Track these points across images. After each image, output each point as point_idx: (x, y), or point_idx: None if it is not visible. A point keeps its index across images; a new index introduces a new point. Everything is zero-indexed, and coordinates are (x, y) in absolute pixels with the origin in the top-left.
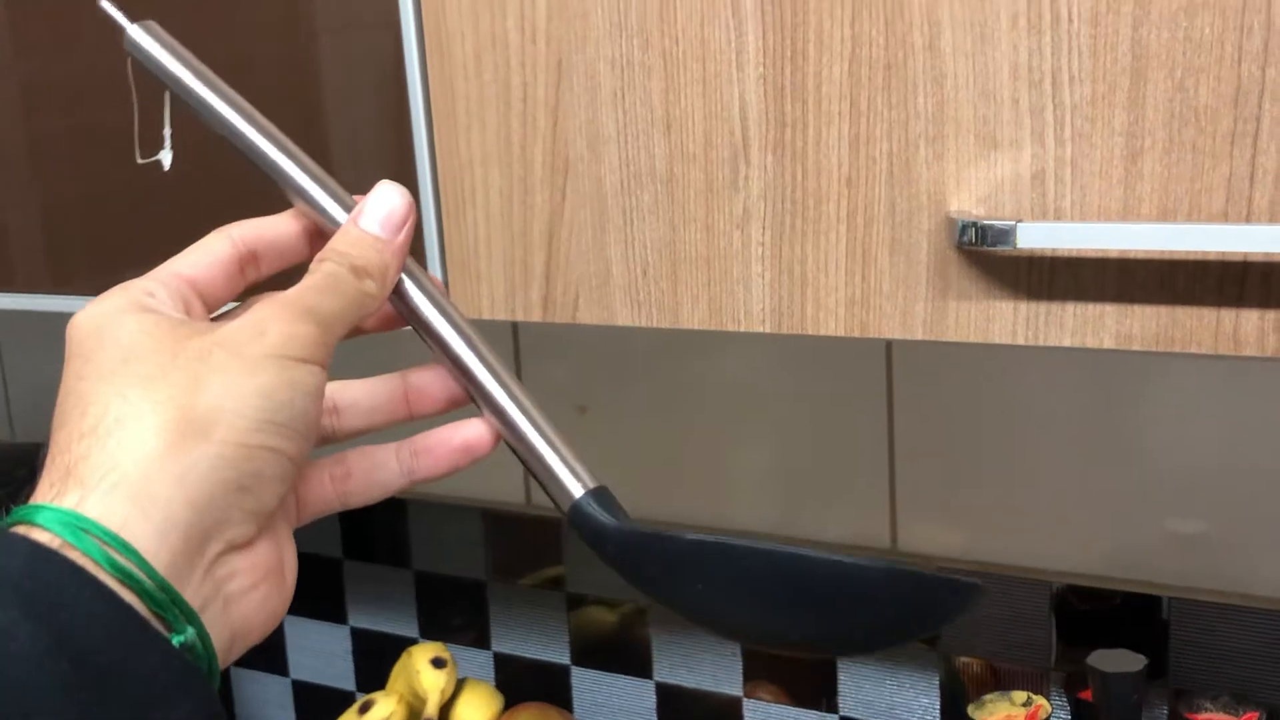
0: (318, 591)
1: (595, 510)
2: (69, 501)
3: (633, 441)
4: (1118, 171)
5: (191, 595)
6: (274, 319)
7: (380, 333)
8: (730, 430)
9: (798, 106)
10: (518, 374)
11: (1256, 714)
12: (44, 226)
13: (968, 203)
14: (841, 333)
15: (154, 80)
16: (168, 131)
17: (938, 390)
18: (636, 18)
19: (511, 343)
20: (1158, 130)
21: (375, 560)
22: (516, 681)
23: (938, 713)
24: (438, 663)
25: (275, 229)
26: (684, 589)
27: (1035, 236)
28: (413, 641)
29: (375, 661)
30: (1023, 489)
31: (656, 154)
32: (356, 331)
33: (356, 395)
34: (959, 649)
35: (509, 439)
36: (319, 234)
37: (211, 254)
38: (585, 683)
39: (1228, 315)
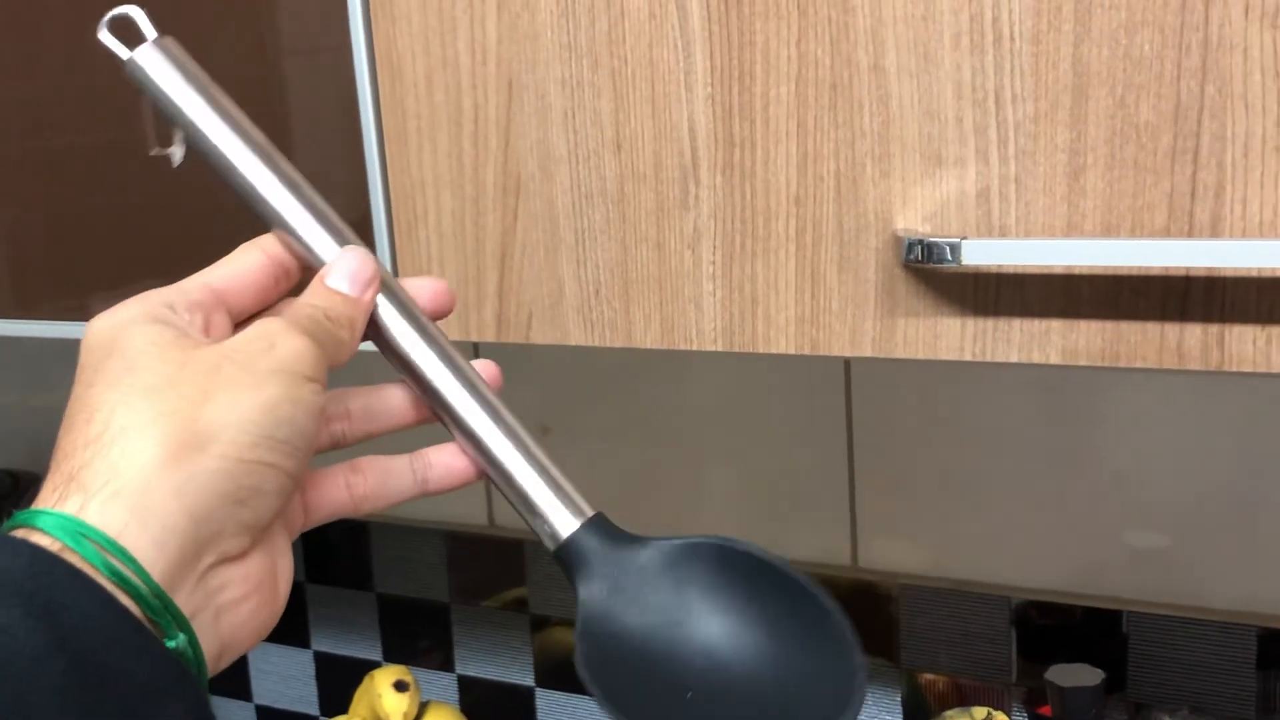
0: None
1: (571, 559)
2: (70, 507)
3: (594, 462)
4: (1061, 188)
5: (183, 603)
6: (282, 335)
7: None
8: (692, 450)
9: (746, 126)
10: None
11: None
12: (8, 249)
13: (914, 220)
14: (792, 350)
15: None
16: (180, 131)
17: (897, 409)
18: (585, 39)
19: None
20: (1100, 147)
21: (337, 583)
22: (481, 704)
23: None
24: (400, 686)
25: None
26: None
27: (980, 253)
28: (376, 664)
29: (338, 685)
30: (982, 506)
31: (607, 174)
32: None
33: (368, 400)
34: (920, 665)
35: (486, 469)
36: None
37: (243, 266)
38: (550, 705)
39: (1171, 330)
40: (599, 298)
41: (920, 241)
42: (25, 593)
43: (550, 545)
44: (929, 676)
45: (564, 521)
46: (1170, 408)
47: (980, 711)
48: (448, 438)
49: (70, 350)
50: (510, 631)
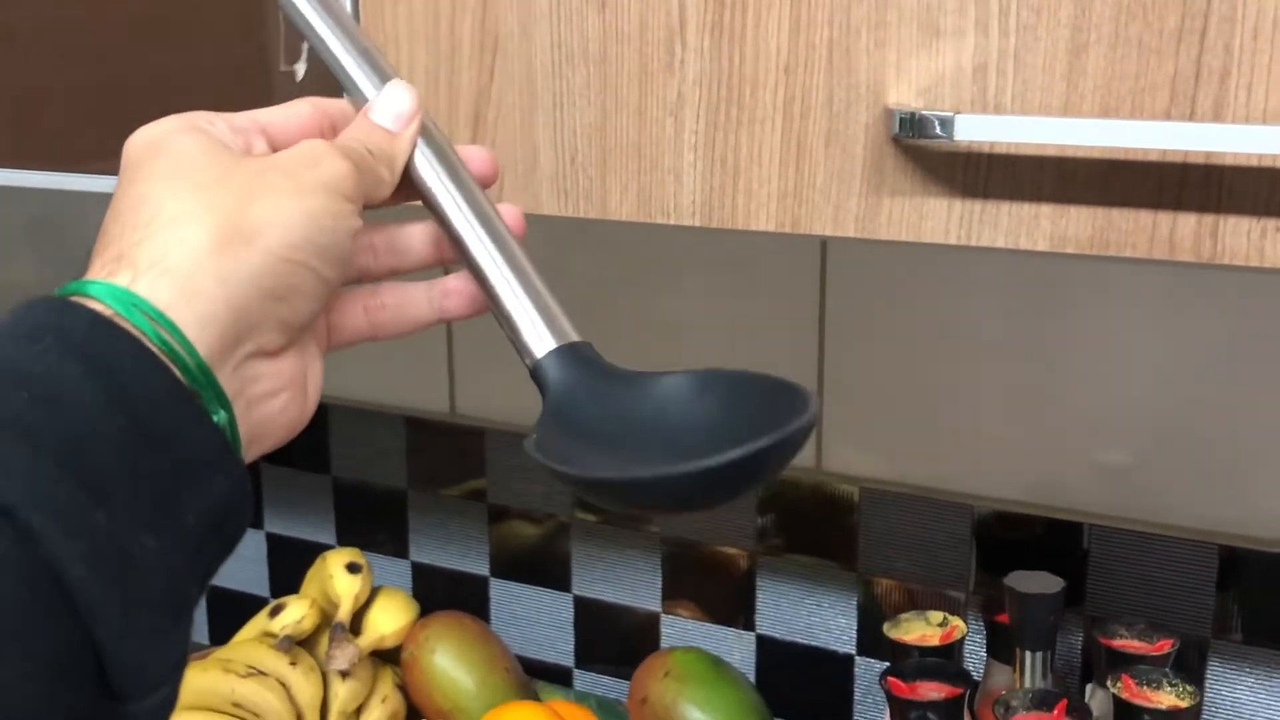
0: None
1: (549, 375)
2: (121, 280)
3: None
4: (1061, 66)
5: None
6: (327, 154)
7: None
8: (658, 347)
9: None
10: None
11: (1171, 641)
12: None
13: (907, 95)
14: (772, 227)
15: None
16: (306, 45)
17: (866, 316)
18: None
19: None
20: (1104, 24)
21: (293, 465)
22: (434, 591)
23: (855, 633)
24: (352, 568)
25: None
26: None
27: (974, 129)
28: (329, 548)
29: (290, 567)
30: (950, 414)
31: (590, 33)
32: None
33: (393, 236)
34: (878, 570)
35: (482, 294)
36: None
37: (291, 112)
38: (503, 595)
39: (1164, 219)
40: (575, 165)
41: (913, 115)
42: (87, 354)
43: (527, 362)
44: (886, 582)
45: (544, 340)
46: (1143, 327)
47: (936, 616)
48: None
49: None
50: (467, 520)
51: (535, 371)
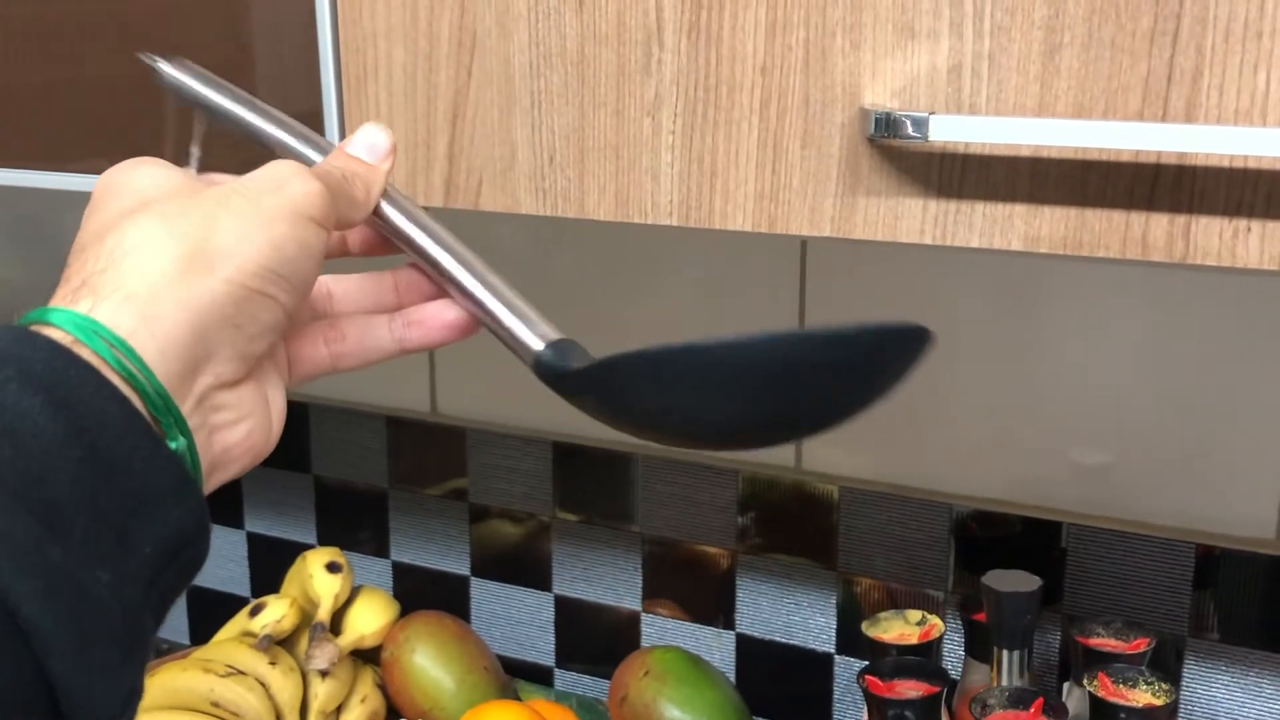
0: (213, 496)
1: (555, 359)
2: (82, 307)
3: None
4: (1035, 67)
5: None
6: (294, 176)
7: (362, 255)
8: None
9: None
10: None
11: (1147, 640)
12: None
13: (882, 96)
14: (749, 228)
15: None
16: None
17: (846, 315)
18: None
19: None
20: (1078, 25)
21: (274, 464)
22: (415, 591)
23: (834, 632)
24: (333, 567)
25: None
26: (660, 405)
27: (948, 129)
28: (309, 547)
29: (271, 567)
30: (929, 413)
31: (568, 33)
32: (343, 252)
33: (349, 285)
34: (857, 569)
35: (473, 310)
36: None
37: None
38: (484, 594)
39: (1137, 219)
40: (553, 165)
41: (888, 115)
42: (45, 384)
43: (528, 359)
44: (865, 581)
45: (533, 343)
46: (1121, 327)
47: (915, 614)
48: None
49: None
50: (448, 520)
51: (541, 361)
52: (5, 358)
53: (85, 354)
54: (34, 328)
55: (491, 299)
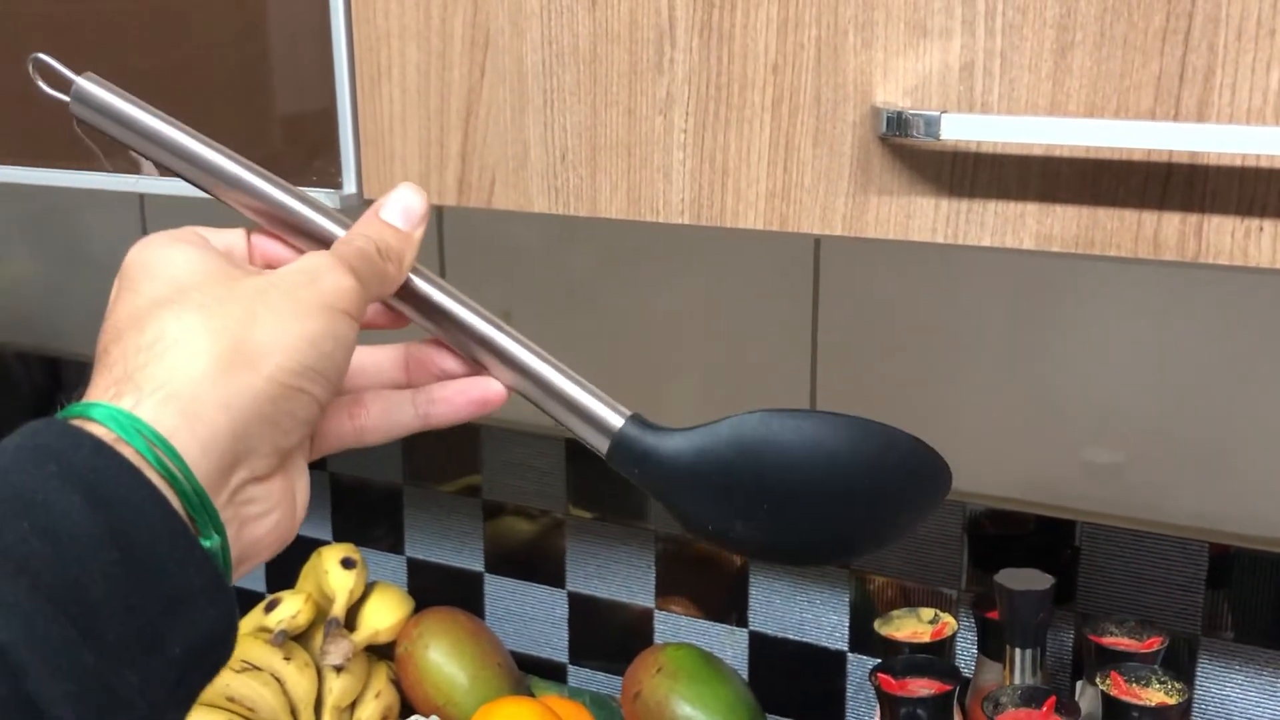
0: None
1: (638, 434)
2: (125, 404)
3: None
4: (1047, 65)
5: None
6: (327, 270)
7: (383, 329)
8: (655, 344)
9: None
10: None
11: (1161, 639)
12: None
13: (894, 94)
14: (760, 226)
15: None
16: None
17: (860, 314)
18: None
19: (437, 244)
20: (1090, 24)
21: None
22: (429, 587)
23: (847, 630)
24: (347, 563)
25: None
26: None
27: (960, 128)
28: (324, 545)
29: (286, 562)
30: (942, 412)
31: (580, 32)
32: (365, 325)
33: (363, 360)
34: (870, 568)
35: (532, 394)
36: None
37: (237, 239)
38: (498, 590)
39: (1149, 218)
40: (565, 163)
41: (900, 114)
42: (86, 482)
43: (602, 444)
44: (878, 579)
45: (613, 418)
46: (1134, 325)
47: (928, 613)
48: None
49: None
50: (462, 516)
51: (621, 443)
52: (48, 452)
53: (127, 452)
54: (76, 422)
55: (556, 375)
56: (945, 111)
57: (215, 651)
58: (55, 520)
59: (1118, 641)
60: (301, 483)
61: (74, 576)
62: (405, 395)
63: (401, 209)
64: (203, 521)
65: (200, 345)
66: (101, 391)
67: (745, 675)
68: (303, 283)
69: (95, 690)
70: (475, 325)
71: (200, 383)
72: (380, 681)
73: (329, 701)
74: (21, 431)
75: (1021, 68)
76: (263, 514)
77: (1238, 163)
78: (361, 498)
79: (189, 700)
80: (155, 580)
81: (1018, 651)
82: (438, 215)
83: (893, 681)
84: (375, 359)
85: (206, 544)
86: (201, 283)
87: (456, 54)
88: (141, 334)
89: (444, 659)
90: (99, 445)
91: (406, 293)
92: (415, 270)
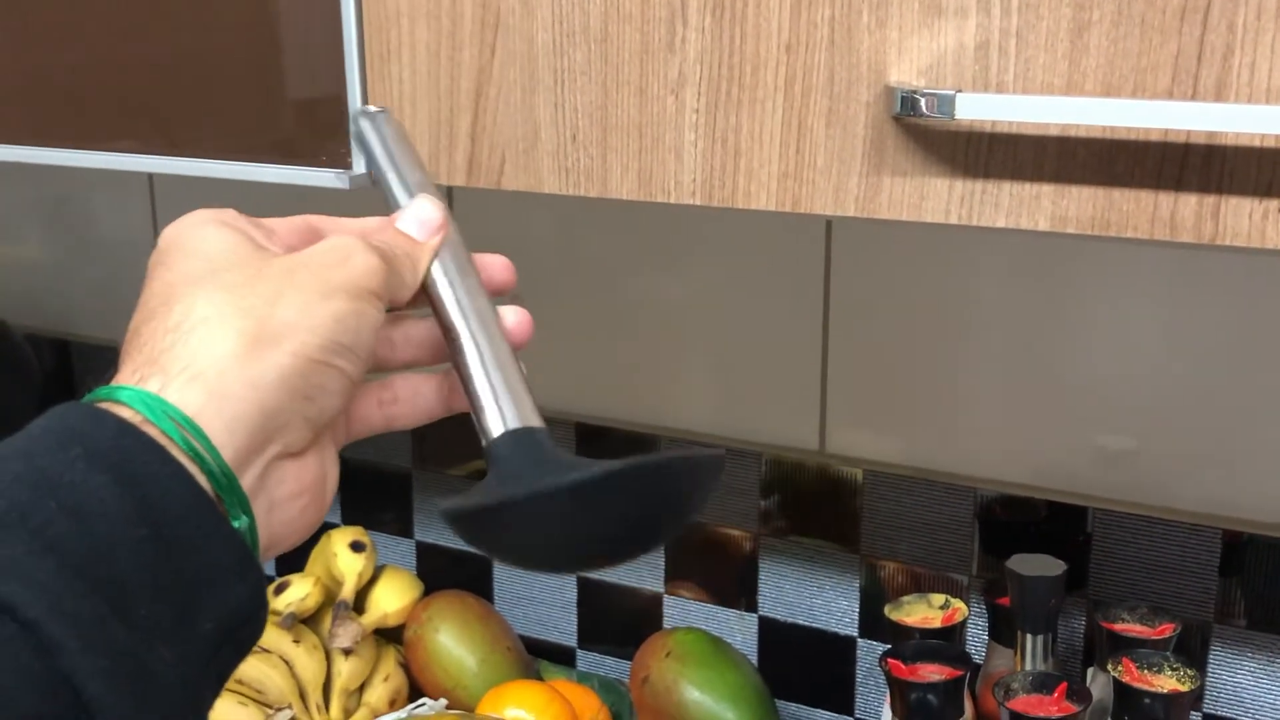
0: None
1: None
2: (152, 386)
3: (564, 334)
4: (1063, 45)
5: (245, 489)
6: (357, 251)
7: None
8: (665, 331)
9: None
10: None
11: (1173, 626)
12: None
13: (908, 74)
14: (772, 207)
15: None
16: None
17: (871, 297)
18: None
19: None
20: (1107, 2)
21: None
22: (438, 571)
23: (856, 615)
24: (356, 546)
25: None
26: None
27: (975, 108)
28: (334, 528)
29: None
30: (953, 397)
31: (591, 11)
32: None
33: (410, 331)
34: (881, 553)
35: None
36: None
37: (292, 228)
38: (507, 574)
39: (1166, 199)
40: (576, 143)
41: (914, 93)
42: (113, 462)
43: (481, 440)
44: (889, 564)
45: (497, 422)
46: (1147, 310)
47: (938, 598)
48: None
49: None
50: None
51: (486, 451)
52: (73, 435)
53: (153, 433)
54: (102, 405)
55: (476, 371)
56: (960, 91)
57: (245, 629)
58: (82, 499)
59: (1129, 628)
60: (333, 470)
61: (103, 553)
62: (432, 382)
63: (418, 219)
64: (230, 502)
65: (228, 324)
66: (129, 375)
67: (754, 660)
68: (333, 263)
69: (129, 665)
70: (451, 324)
71: (227, 361)
72: (389, 665)
73: (337, 684)
74: (47, 415)
75: (1037, 47)
76: (293, 496)
77: (1256, 143)
78: (371, 481)
79: (221, 679)
80: (184, 556)
81: (1029, 637)
82: (447, 197)
83: (903, 667)
84: (419, 331)
85: (235, 524)
86: (234, 262)
87: (467, 34)
88: (170, 315)
89: (453, 642)
90: (125, 426)
91: (422, 300)
92: (435, 281)
